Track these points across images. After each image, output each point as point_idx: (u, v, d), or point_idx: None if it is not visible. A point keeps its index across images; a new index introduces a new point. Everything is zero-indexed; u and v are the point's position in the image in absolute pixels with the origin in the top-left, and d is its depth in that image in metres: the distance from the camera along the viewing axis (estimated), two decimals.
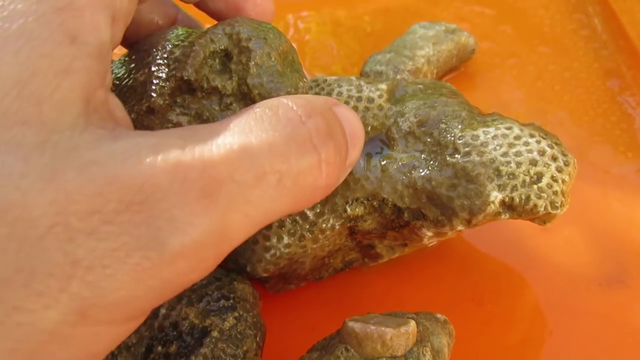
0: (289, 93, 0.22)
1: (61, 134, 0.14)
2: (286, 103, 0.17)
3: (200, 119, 0.23)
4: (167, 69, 0.23)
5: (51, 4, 0.15)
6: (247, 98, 0.23)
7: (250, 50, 0.22)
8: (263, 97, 0.22)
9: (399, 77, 0.36)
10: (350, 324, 0.20)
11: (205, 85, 0.23)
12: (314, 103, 0.18)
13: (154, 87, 0.23)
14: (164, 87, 0.22)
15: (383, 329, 0.20)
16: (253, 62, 0.22)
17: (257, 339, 0.23)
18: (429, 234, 0.24)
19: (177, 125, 0.23)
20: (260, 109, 0.17)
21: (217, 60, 0.23)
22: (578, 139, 0.34)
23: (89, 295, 0.14)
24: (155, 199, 0.14)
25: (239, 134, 0.16)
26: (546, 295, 0.28)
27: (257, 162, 0.15)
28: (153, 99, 0.22)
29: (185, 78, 0.22)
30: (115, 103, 0.17)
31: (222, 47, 0.23)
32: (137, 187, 0.14)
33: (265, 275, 0.24)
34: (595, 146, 0.34)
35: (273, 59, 0.23)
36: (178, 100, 0.23)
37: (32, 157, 0.14)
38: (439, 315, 0.23)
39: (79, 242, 0.14)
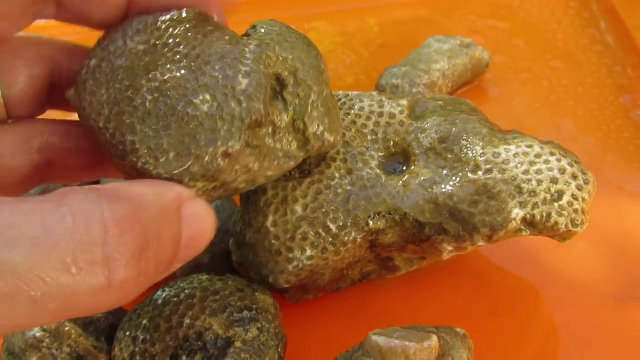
0: (331, 131, 0.23)
1: None
2: (94, 206, 0.15)
3: (262, 154, 0.21)
4: (238, 105, 0.20)
5: None
6: (299, 133, 0.22)
7: (309, 87, 0.22)
8: (317, 138, 0.22)
9: (414, 90, 0.36)
10: (374, 337, 0.21)
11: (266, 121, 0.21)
12: (147, 204, 0.16)
13: (227, 128, 0.20)
14: (240, 129, 0.20)
15: (407, 343, 0.20)
16: (312, 100, 0.22)
17: (279, 350, 0.24)
18: (449, 248, 0.25)
19: (245, 167, 0.21)
20: (60, 208, 0.15)
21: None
22: (592, 155, 0.35)
23: None
24: None
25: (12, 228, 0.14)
26: (562, 309, 0.28)
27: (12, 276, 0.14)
28: (231, 143, 0.20)
29: (260, 120, 0.20)
30: None
31: (276, 71, 0.21)
32: None
33: (286, 286, 0.25)
34: (609, 162, 0.34)
35: (326, 97, 0.22)
36: (250, 142, 0.21)
37: None
38: (458, 330, 0.24)
39: None
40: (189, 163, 0.19)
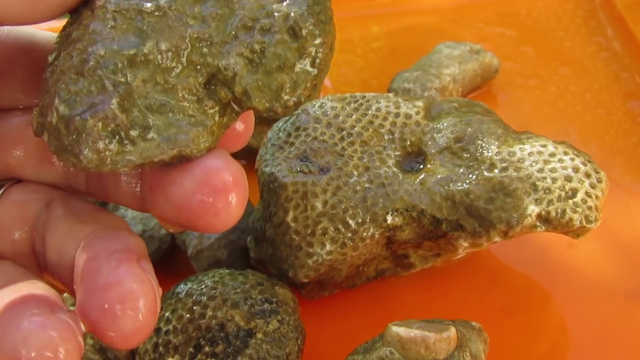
0: None
1: None
2: None
3: None
4: None
5: None
6: None
7: None
8: None
9: (426, 94, 0.37)
10: (394, 328, 0.21)
11: None
12: None
13: None
14: None
15: (426, 333, 0.21)
16: None
17: (299, 342, 0.24)
18: (465, 244, 0.25)
19: None
20: None
21: None
22: (600, 158, 0.35)
23: None
24: None
25: None
26: (572, 308, 0.29)
27: None
28: None
29: None
30: None
31: None
32: None
33: (305, 280, 0.25)
34: (617, 165, 0.35)
35: None
36: None
37: None
38: (474, 323, 0.24)
39: None
40: None
